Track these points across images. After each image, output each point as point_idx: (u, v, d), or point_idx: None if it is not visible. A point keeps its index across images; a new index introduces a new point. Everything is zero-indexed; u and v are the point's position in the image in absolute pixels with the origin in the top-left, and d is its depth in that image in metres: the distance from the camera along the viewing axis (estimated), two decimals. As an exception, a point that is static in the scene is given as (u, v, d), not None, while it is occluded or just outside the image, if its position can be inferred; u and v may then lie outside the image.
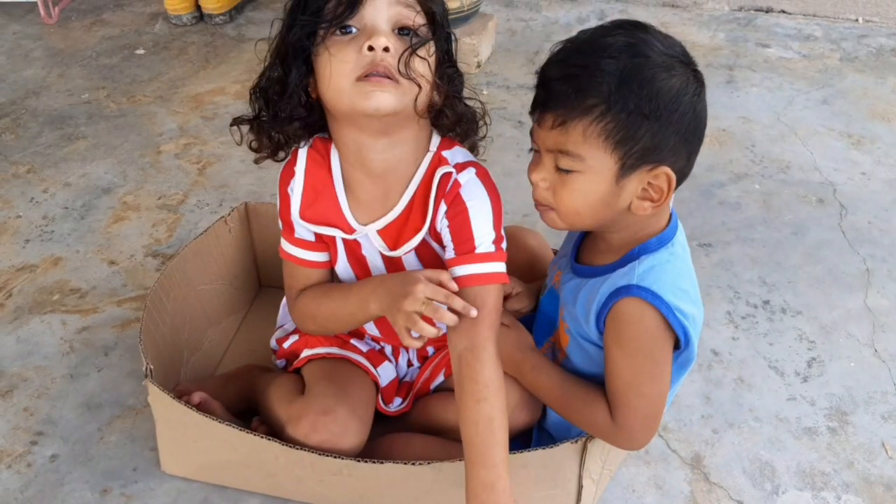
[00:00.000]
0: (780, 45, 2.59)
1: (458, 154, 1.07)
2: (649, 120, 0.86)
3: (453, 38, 1.03)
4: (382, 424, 1.20)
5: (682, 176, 0.92)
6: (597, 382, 1.03)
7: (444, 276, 1.00)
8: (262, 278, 1.55)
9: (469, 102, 1.07)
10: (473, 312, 0.98)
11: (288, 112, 1.02)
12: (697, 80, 0.90)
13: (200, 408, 1.16)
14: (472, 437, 0.97)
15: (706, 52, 2.52)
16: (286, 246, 1.14)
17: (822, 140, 2.13)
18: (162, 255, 1.71)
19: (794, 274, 1.70)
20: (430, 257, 1.11)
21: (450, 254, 1.04)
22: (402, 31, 0.95)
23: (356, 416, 1.11)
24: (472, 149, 1.11)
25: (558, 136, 0.89)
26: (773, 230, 1.82)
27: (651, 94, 0.86)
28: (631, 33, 0.88)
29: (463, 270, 1.01)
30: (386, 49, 0.92)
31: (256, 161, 1.10)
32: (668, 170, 0.89)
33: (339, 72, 0.94)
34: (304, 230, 1.12)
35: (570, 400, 1.04)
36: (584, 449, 1.06)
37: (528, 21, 2.72)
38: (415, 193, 1.06)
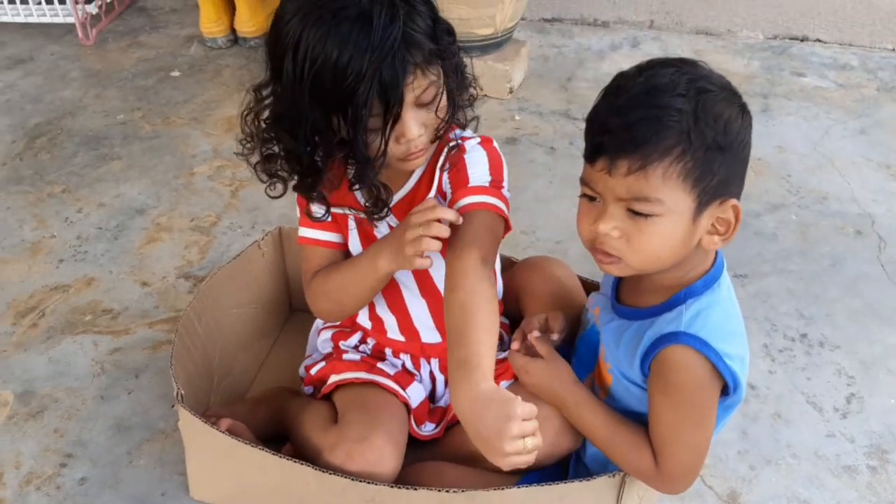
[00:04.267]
0: (815, 73, 2.57)
1: (464, 133, 1.14)
2: (724, 153, 0.86)
3: (463, 60, 1.08)
4: (413, 451, 1.19)
5: None
6: (641, 422, 1.01)
7: (429, 201, 1.05)
8: (294, 302, 1.54)
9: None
10: (459, 219, 1.03)
11: (318, 175, 1.07)
12: (746, 109, 0.90)
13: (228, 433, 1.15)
14: (448, 324, 0.97)
15: (741, 81, 2.49)
16: (303, 231, 1.19)
17: (859, 171, 2.10)
18: (194, 277, 1.71)
19: (832, 307, 1.67)
20: None
21: (449, 193, 1.11)
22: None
23: (392, 441, 1.10)
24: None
25: (635, 181, 0.86)
26: (811, 262, 1.79)
27: (724, 128, 0.85)
28: (683, 70, 0.87)
29: (459, 204, 1.08)
30: (420, 134, 1.01)
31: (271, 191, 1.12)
32: (735, 202, 0.89)
33: (384, 154, 1.00)
34: (321, 210, 1.15)
35: (615, 440, 1.01)
36: (622, 483, 1.04)
37: (561, 48, 2.71)
38: (424, 170, 1.13)
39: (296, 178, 1.08)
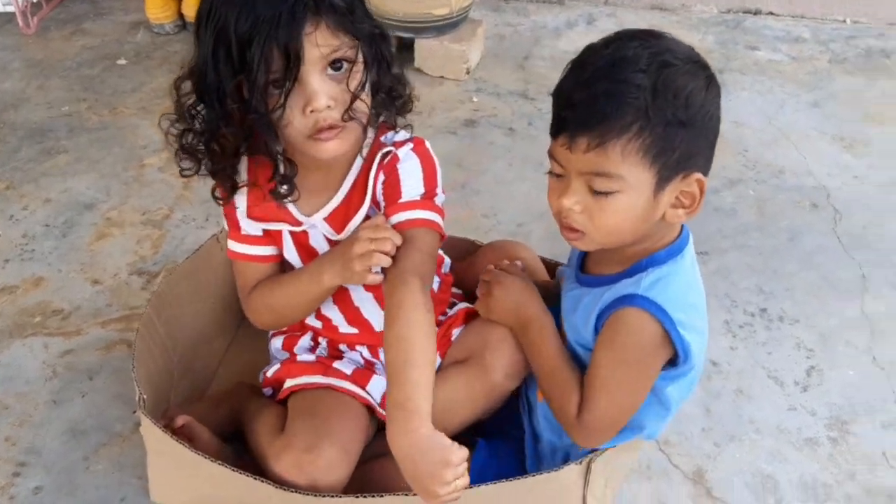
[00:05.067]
0: (769, 47, 2.58)
1: (397, 135, 1.11)
2: (685, 128, 0.85)
3: (388, 43, 1.05)
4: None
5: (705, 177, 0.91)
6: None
7: (378, 218, 1.06)
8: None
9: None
10: (400, 240, 1.03)
11: (228, 151, 1.04)
12: (715, 82, 0.89)
13: (183, 431, 1.13)
14: (388, 357, 0.97)
15: (695, 56, 2.50)
16: (234, 245, 1.16)
17: (814, 144, 2.12)
18: (147, 273, 1.67)
19: (791, 281, 1.68)
20: None
21: (383, 206, 1.09)
22: (335, 63, 0.96)
23: (341, 449, 1.08)
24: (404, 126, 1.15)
25: (594, 157, 0.86)
26: (769, 237, 1.80)
27: (685, 103, 0.84)
28: (649, 43, 0.86)
29: (391, 221, 1.07)
30: (328, 105, 0.96)
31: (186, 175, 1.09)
32: (699, 175, 0.89)
33: (282, 129, 0.98)
34: (252, 227, 1.14)
35: (556, 375, 1.02)
36: (587, 470, 1.04)
37: (517, 26, 2.69)
38: (356, 178, 1.10)
39: (212, 161, 1.05)
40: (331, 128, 0.98)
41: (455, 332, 1.20)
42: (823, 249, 1.77)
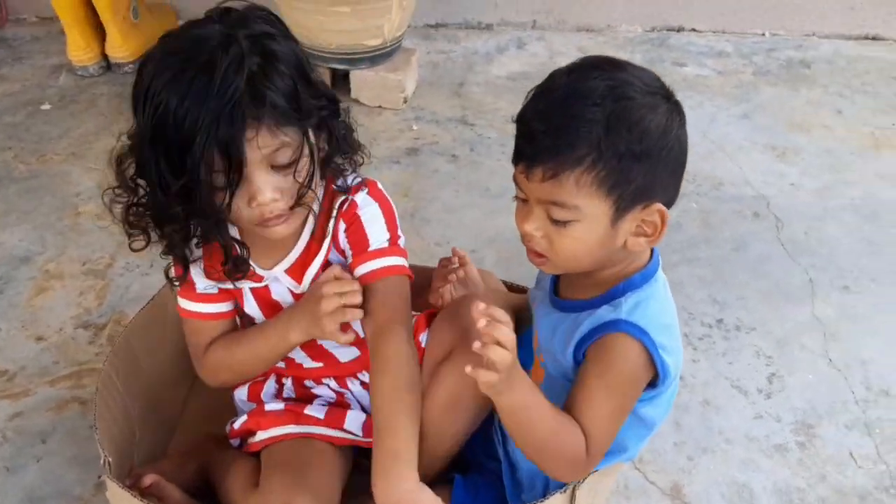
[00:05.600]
0: (695, 63, 2.66)
1: (348, 179, 1.10)
2: (640, 161, 0.85)
3: (337, 113, 1.03)
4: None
5: (669, 206, 0.91)
6: None
7: (335, 270, 1.06)
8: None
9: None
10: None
11: (176, 240, 1.02)
12: (679, 111, 0.89)
13: (151, 491, 1.09)
14: (376, 409, 0.99)
15: (626, 74, 2.55)
16: (187, 304, 1.13)
17: (748, 154, 2.18)
18: (94, 326, 1.60)
19: (743, 290, 1.72)
20: None
21: (350, 260, 1.09)
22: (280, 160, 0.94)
23: (319, 498, 1.05)
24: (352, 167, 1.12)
25: (550, 188, 0.86)
26: (716, 247, 1.84)
27: (640, 136, 0.84)
28: (610, 74, 0.86)
29: (361, 270, 1.07)
30: (274, 199, 0.95)
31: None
32: (660, 206, 0.89)
33: (235, 218, 0.98)
34: (208, 286, 1.11)
35: (559, 422, 0.92)
36: (572, 497, 1.03)
37: (448, 53, 2.70)
38: (314, 228, 1.09)
39: (162, 235, 1.02)
40: (277, 217, 0.97)
41: (422, 337, 1.16)
42: (769, 257, 1.82)
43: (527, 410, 0.91)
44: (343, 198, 1.08)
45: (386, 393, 0.99)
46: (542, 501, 1.01)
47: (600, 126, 0.83)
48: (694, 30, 2.84)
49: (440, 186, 2.03)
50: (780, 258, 1.81)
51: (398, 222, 1.12)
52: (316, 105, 0.96)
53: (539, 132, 0.86)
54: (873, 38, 2.79)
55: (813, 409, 1.46)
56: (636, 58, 2.67)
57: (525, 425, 0.93)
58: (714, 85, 2.52)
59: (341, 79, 2.36)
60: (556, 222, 0.89)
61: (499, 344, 0.83)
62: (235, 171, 0.89)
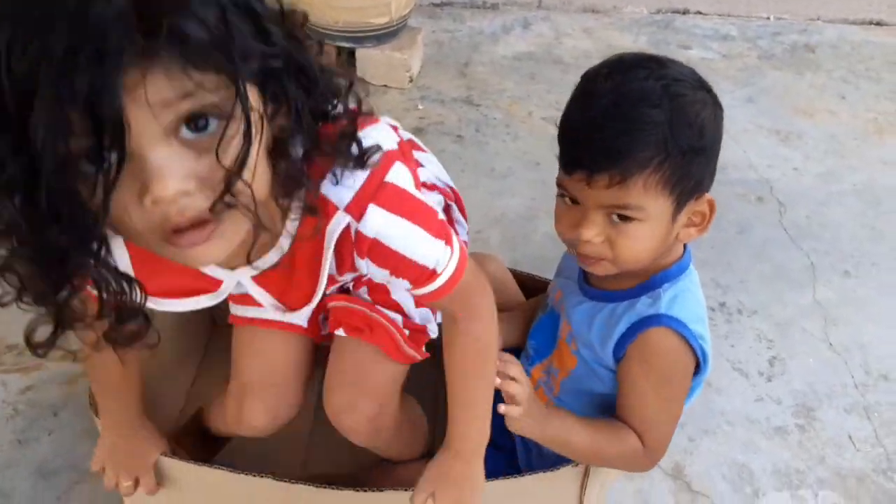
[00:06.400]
0: (700, 45, 2.66)
1: (341, 190, 0.76)
2: (700, 156, 0.87)
3: (308, 59, 0.66)
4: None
5: (708, 191, 0.94)
6: (603, 402, 1.03)
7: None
8: (218, 317, 1.47)
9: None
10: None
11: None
12: (717, 102, 0.91)
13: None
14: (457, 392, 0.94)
15: (631, 56, 2.55)
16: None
17: (752, 138, 2.19)
18: (103, 301, 1.61)
19: (745, 274, 1.74)
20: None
21: (410, 286, 0.86)
22: (194, 122, 0.57)
23: (294, 381, 1.09)
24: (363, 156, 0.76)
25: (616, 192, 0.86)
26: (720, 231, 1.86)
27: (699, 132, 0.86)
28: (656, 73, 0.87)
29: (433, 286, 0.85)
30: (185, 192, 0.58)
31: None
32: (709, 196, 0.92)
33: (120, 224, 0.60)
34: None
35: (601, 436, 0.98)
36: (585, 472, 1.04)
37: (454, 32, 2.70)
38: (293, 243, 0.81)
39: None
40: (195, 226, 0.60)
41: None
42: (772, 241, 1.83)
43: (567, 441, 0.97)
44: (342, 225, 0.77)
45: (463, 388, 0.93)
46: (554, 470, 1.02)
47: (665, 127, 0.84)
48: (699, 12, 2.84)
49: (446, 167, 2.00)
50: (782, 242, 1.83)
51: (439, 210, 0.90)
52: (262, 47, 0.60)
53: (598, 139, 0.85)
54: (878, 24, 2.79)
55: (813, 392, 1.48)
56: (641, 40, 2.67)
57: (569, 451, 0.99)
58: (719, 68, 2.52)
59: (347, 57, 2.36)
60: (617, 223, 0.89)
61: (513, 379, 0.90)
62: (112, 140, 0.52)
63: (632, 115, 0.84)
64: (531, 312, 1.17)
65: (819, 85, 2.45)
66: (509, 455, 1.17)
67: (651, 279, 0.96)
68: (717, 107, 0.90)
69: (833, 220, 1.89)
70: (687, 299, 0.95)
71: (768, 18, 2.82)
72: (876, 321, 1.63)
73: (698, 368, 0.97)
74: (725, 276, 1.73)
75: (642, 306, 0.95)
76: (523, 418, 0.93)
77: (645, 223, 0.88)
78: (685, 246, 1.00)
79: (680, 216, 0.90)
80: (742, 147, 2.14)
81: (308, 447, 1.26)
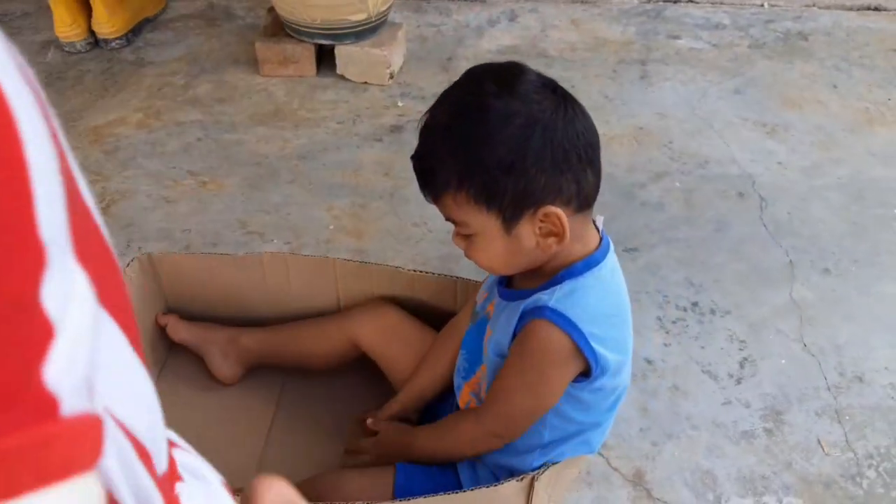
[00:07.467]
0: (690, 35, 2.60)
1: None
2: (504, 174, 0.85)
3: None
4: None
5: (583, 200, 0.89)
6: None
7: None
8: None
9: None
10: None
11: None
12: (553, 105, 0.86)
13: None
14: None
15: (619, 48, 2.51)
16: None
17: (737, 131, 2.14)
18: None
19: (720, 272, 1.70)
20: None
21: None
22: None
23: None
24: None
25: (442, 208, 0.92)
26: (697, 228, 1.82)
27: (494, 152, 0.85)
28: (468, 89, 0.88)
29: None
30: None
31: None
32: (551, 208, 0.87)
33: None
34: None
35: (444, 433, 1.08)
36: (530, 486, 1.02)
37: (439, 26, 2.67)
38: None
39: None
40: None
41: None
42: (751, 238, 1.79)
43: (433, 451, 1.11)
44: None
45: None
46: (496, 485, 1.01)
47: (461, 147, 0.86)
48: (691, 1, 2.79)
49: (421, 165, 2.02)
50: (761, 239, 1.79)
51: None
52: None
53: (415, 163, 0.92)
54: (875, 9, 2.72)
55: (783, 394, 1.45)
56: (630, 30, 2.62)
57: (442, 458, 1.11)
58: (707, 58, 2.47)
59: (327, 54, 2.34)
60: (467, 237, 0.93)
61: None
62: None
63: (427, 144, 0.89)
64: (459, 332, 1.16)
65: (810, 74, 2.39)
66: (452, 472, 1.15)
67: (557, 276, 0.94)
68: (544, 115, 0.85)
69: (814, 216, 1.85)
70: (588, 296, 0.92)
71: (762, 5, 2.75)
72: (853, 321, 1.59)
73: (591, 372, 0.94)
74: (699, 276, 1.69)
75: (536, 298, 0.93)
76: (384, 456, 1.11)
77: (480, 236, 0.91)
78: (602, 241, 0.96)
79: (518, 229, 0.88)
80: (725, 141, 2.10)
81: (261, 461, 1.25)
